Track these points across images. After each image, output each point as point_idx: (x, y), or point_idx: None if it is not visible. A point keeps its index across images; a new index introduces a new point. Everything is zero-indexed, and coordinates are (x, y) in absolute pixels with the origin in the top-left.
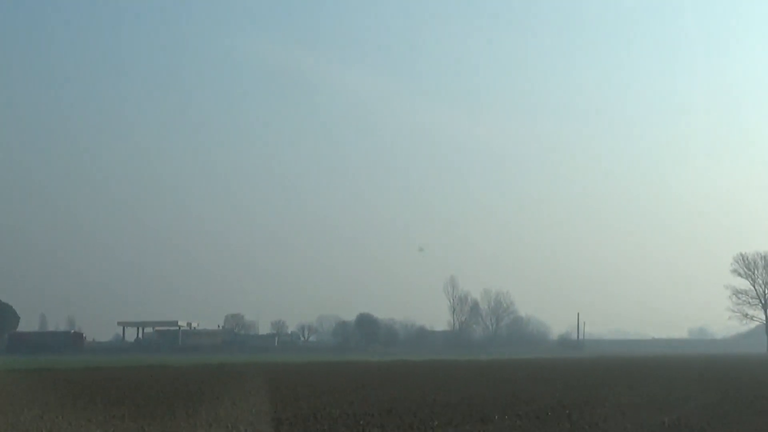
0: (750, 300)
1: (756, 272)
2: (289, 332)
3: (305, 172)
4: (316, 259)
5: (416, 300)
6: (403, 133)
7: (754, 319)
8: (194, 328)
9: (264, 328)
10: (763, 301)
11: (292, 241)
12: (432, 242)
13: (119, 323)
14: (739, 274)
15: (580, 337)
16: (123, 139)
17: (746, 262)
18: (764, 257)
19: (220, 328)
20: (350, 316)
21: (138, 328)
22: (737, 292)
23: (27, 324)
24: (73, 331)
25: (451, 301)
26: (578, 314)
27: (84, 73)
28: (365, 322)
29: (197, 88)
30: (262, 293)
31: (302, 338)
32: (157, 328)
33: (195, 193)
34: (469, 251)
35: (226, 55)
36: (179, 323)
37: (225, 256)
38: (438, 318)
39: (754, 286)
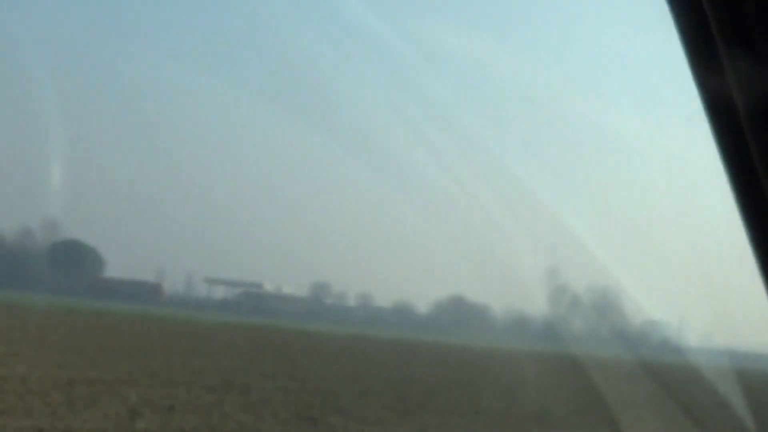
0: None
1: None
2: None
3: None
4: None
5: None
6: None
7: None
8: (282, 292)
9: (351, 301)
10: None
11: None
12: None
13: (206, 280)
14: None
15: None
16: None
17: None
18: None
19: (306, 295)
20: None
21: (223, 287)
22: None
23: (111, 269)
24: (152, 281)
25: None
26: None
27: None
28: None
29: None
30: (350, 264)
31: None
32: (243, 289)
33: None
34: None
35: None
36: (265, 285)
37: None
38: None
39: None
